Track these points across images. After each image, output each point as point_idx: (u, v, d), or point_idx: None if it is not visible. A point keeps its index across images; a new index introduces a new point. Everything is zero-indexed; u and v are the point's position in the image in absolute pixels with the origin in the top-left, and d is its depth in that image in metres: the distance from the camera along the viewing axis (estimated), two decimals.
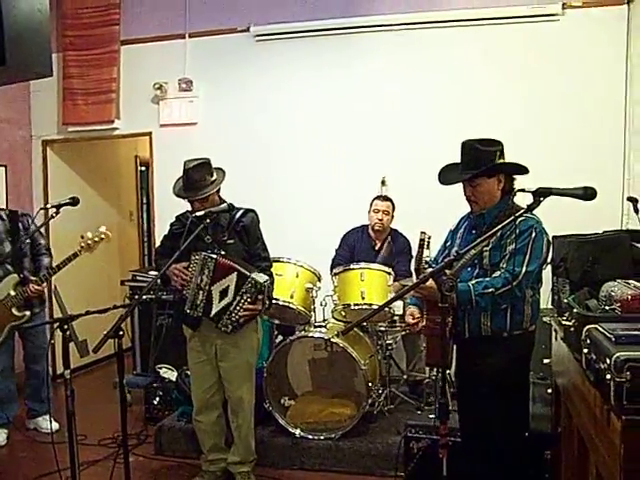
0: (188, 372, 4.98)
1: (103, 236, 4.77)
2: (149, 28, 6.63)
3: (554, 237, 3.87)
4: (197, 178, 3.90)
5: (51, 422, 4.85)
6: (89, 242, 4.74)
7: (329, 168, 6.20)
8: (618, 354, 2.11)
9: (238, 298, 3.82)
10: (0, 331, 4.92)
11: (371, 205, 5.52)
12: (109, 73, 6.63)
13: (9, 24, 3.12)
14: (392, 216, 5.50)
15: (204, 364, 4.10)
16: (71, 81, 6.73)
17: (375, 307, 4.64)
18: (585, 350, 2.54)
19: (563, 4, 5.63)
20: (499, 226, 2.90)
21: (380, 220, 5.43)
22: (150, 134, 6.75)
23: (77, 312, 3.39)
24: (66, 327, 3.24)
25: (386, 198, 5.50)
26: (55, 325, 3.28)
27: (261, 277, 3.85)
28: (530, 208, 2.73)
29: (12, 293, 4.89)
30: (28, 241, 5.10)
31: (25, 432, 5.31)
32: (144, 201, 8.79)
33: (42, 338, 5.30)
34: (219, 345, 4.03)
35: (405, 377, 5.38)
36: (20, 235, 5.09)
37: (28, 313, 4.98)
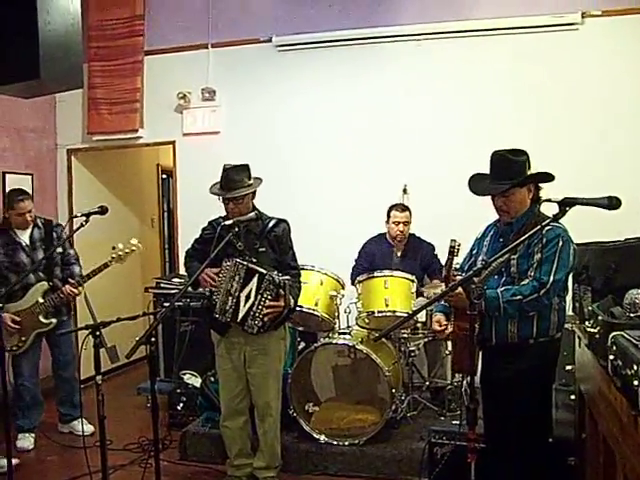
0: (212, 378, 5.06)
1: (134, 248, 4.88)
2: (172, 39, 6.72)
3: (576, 245, 3.89)
4: (236, 178, 3.97)
5: (83, 425, 4.86)
6: (120, 253, 4.86)
7: (351, 176, 6.25)
8: None
9: (259, 297, 3.87)
10: (26, 337, 5.01)
11: (388, 216, 5.55)
12: (133, 83, 6.73)
13: (44, 39, 3.20)
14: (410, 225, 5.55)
15: (232, 370, 4.15)
16: (96, 91, 6.83)
17: (399, 314, 4.70)
18: (611, 357, 2.56)
19: (582, 13, 5.65)
20: (526, 235, 2.93)
21: (401, 232, 5.48)
22: (173, 143, 6.83)
23: (100, 319, 3.47)
24: (97, 333, 3.31)
25: (403, 208, 5.54)
26: (87, 332, 3.34)
27: (280, 276, 3.91)
28: (556, 218, 2.76)
29: (40, 300, 4.98)
30: (60, 250, 5.21)
31: (52, 437, 5.36)
32: (165, 209, 8.89)
33: (70, 345, 5.40)
34: (247, 352, 4.08)
35: (427, 383, 5.41)
36: (53, 244, 5.20)
37: (55, 320, 5.07)
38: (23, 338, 4.99)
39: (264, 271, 3.86)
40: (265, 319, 3.89)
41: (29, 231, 5.16)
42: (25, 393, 5.15)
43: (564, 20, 5.68)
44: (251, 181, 4.04)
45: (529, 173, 3.37)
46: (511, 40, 5.85)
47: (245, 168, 4.04)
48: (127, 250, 4.88)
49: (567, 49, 5.72)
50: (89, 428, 5.15)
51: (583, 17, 5.66)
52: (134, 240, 4.91)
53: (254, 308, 3.87)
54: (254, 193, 4.09)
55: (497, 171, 3.40)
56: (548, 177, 3.39)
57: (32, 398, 5.19)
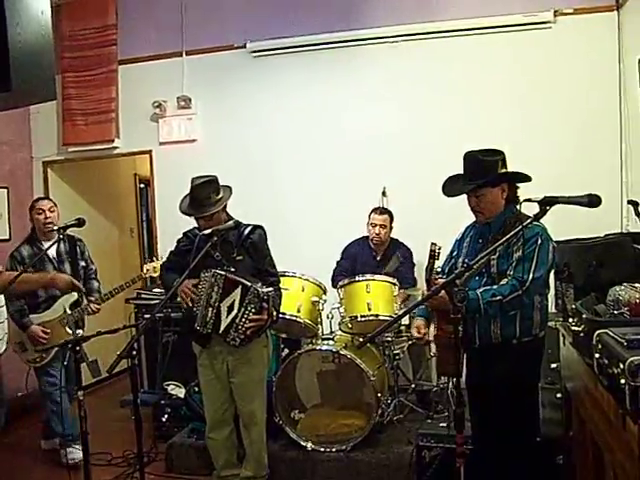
0: (196, 388, 5.02)
1: None
2: (146, 47, 6.69)
3: (556, 242, 3.89)
4: (203, 196, 3.92)
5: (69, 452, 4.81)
6: (154, 266, 4.96)
7: (329, 181, 6.24)
8: (632, 358, 2.13)
9: (243, 310, 3.82)
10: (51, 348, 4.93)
11: (369, 218, 5.55)
12: (108, 93, 6.69)
13: (14, 50, 3.14)
14: (391, 228, 5.54)
15: (215, 381, 4.11)
16: (70, 102, 6.78)
17: (382, 318, 4.68)
18: (597, 355, 2.56)
19: (555, 11, 5.69)
20: (507, 235, 2.93)
21: (378, 234, 5.47)
22: (150, 152, 6.80)
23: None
24: (77, 348, 3.27)
25: (383, 211, 5.53)
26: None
27: (264, 288, 3.87)
28: (537, 217, 2.75)
29: (68, 312, 4.94)
30: (83, 264, 5.26)
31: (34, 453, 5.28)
32: (144, 218, 8.82)
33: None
34: (230, 361, 4.04)
35: (413, 386, 5.40)
36: (77, 259, 5.23)
37: (80, 332, 4.99)
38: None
39: (249, 284, 3.82)
40: (248, 332, 3.85)
41: (56, 244, 5.10)
42: (55, 403, 4.99)
43: (537, 19, 5.72)
44: (220, 195, 3.99)
45: (501, 172, 3.37)
46: (486, 40, 5.87)
47: (212, 183, 3.97)
48: (154, 274, 4.97)
49: (540, 47, 5.76)
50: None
51: (555, 15, 5.70)
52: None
53: (237, 320, 3.83)
54: (225, 205, 4.05)
55: (469, 171, 3.42)
56: (520, 177, 3.40)
57: (59, 407, 5.01)
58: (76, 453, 4.90)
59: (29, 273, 4.46)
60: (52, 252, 5.11)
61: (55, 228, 4.91)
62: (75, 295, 5.00)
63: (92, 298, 5.09)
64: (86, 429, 3.25)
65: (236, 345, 3.88)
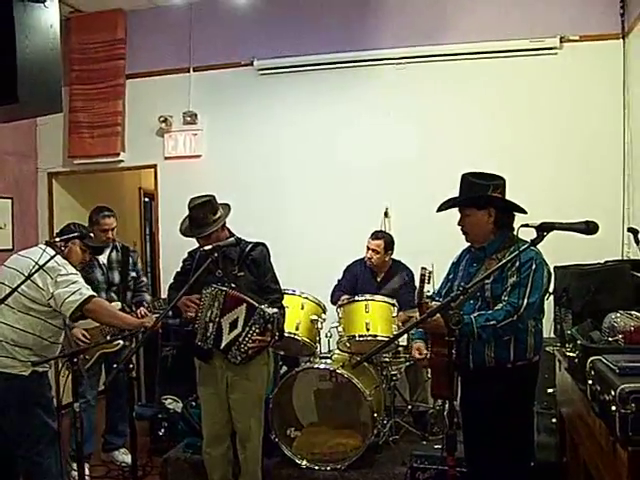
0: (194, 403, 5.03)
1: None
2: (154, 62, 6.75)
3: (556, 267, 3.91)
4: (200, 217, 3.96)
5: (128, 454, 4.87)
6: None
7: (332, 200, 6.27)
8: (623, 386, 2.15)
9: (247, 329, 3.83)
10: (90, 356, 4.93)
11: (368, 238, 5.57)
12: (114, 107, 6.74)
13: (22, 63, 3.18)
14: (387, 253, 5.51)
15: (214, 396, 4.11)
16: (77, 115, 6.83)
17: (380, 338, 4.69)
18: (590, 381, 2.57)
19: (561, 38, 5.72)
20: (504, 260, 2.95)
21: (370, 258, 5.49)
22: (155, 166, 6.84)
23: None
24: (75, 360, 3.29)
25: (378, 236, 5.52)
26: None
27: (270, 309, 3.88)
28: (534, 243, 2.77)
29: None
30: (134, 274, 5.32)
31: None
32: (147, 232, 8.85)
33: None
34: (230, 377, 4.04)
35: (409, 407, 5.39)
36: (128, 269, 5.28)
37: (121, 342, 4.98)
38: (87, 357, 4.89)
39: (256, 304, 3.83)
40: (250, 352, 3.86)
41: (107, 251, 5.18)
42: (86, 414, 4.96)
43: (543, 44, 5.75)
44: (217, 215, 4.01)
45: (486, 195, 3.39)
46: (491, 64, 5.91)
47: (207, 203, 3.99)
48: None
49: (546, 73, 5.80)
50: (128, 459, 5.04)
51: (561, 42, 5.74)
52: None
53: (240, 339, 3.84)
54: (224, 223, 4.08)
55: (462, 192, 3.46)
56: (510, 206, 3.41)
57: (89, 420, 5.02)
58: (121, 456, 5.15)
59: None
60: (103, 259, 5.15)
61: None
62: (119, 304, 5.03)
63: (145, 304, 5.12)
64: (82, 440, 3.26)
65: (236, 363, 3.89)
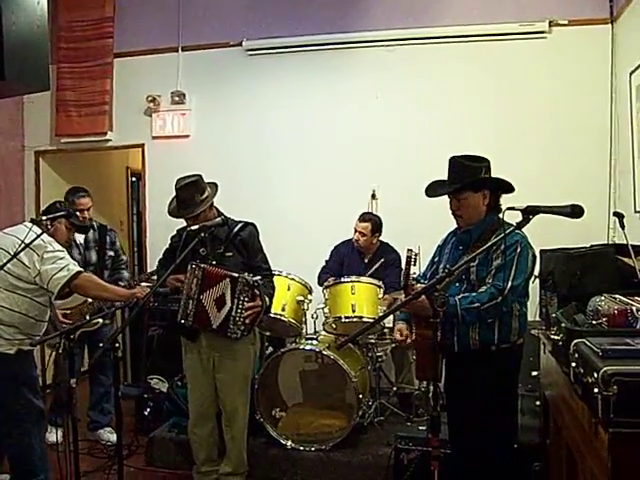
0: (179, 383, 5.04)
1: None
2: (142, 41, 6.70)
3: (542, 251, 3.93)
4: (186, 197, 3.96)
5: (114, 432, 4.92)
6: None
7: (320, 181, 6.27)
8: (605, 368, 2.16)
9: (236, 301, 3.85)
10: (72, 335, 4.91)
11: (355, 222, 5.58)
12: (102, 85, 6.68)
13: (9, 40, 3.18)
14: (375, 235, 5.53)
15: (201, 376, 4.13)
16: (64, 93, 6.78)
17: (365, 320, 4.70)
18: (573, 364, 2.58)
19: (550, 22, 5.73)
20: (489, 243, 2.96)
21: (357, 240, 5.50)
22: (142, 146, 6.81)
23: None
24: (72, 337, 3.30)
25: (366, 219, 5.52)
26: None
27: (250, 276, 3.90)
28: (519, 226, 2.78)
29: (89, 300, 4.88)
30: (111, 254, 5.32)
31: None
32: (134, 211, 8.82)
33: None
34: (216, 357, 4.06)
35: (395, 389, 5.43)
36: (105, 248, 5.28)
37: (100, 321, 4.99)
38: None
39: (235, 274, 3.85)
40: (247, 321, 3.88)
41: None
42: (64, 391, 5.05)
43: (532, 28, 5.77)
44: (204, 195, 4.01)
45: (484, 177, 3.40)
46: (480, 47, 5.91)
47: (194, 184, 3.99)
48: None
49: (534, 57, 5.81)
50: (114, 437, 5.12)
51: (550, 26, 5.75)
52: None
53: (233, 313, 3.86)
54: (212, 203, 4.07)
55: (452, 176, 3.45)
56: (503, 184, 3.42)
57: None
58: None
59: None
60: (80, 238, 5.15)
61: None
62: None
63: (121, 283, 5.06)
64: (77, 416, 3.27)
65: (238, 337, 3.90)
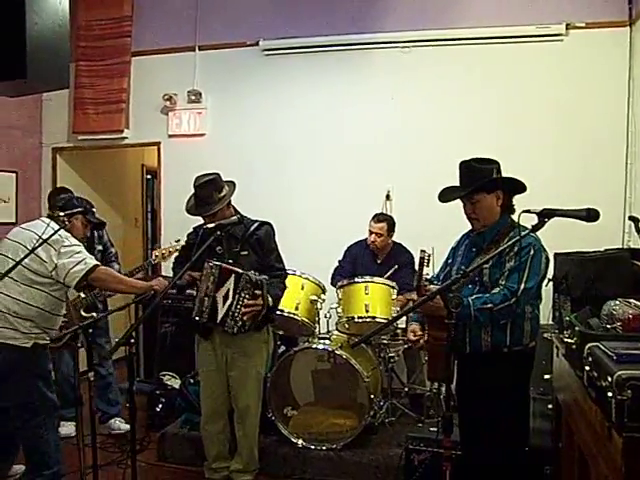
0: (192, 380, 5.07)
1: (177, 247, 4.83)
2: (160, 40, 6.75)
3: (556, 254, 3.93)
4: (205, 195, 4.00)
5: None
6: (164, 252, 4.92)
7: (334, 181, 6.28)
8: (620, 372, 2.16)
9: (237, 297, 3.87)
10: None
11: (369, 223, 5.59)
12: (119, 84, 6.74)
13: (31, 40, 3.21)
14: (390, 235, 5.54)
15: (214, 372, 4.16)
16: (82, 91, 6.83)
17: (378, 320, 4.72)
18: (587, 367, 2.59)
19: (567, 25, 5.71)
20: (504, 245, 2.96)
21: (373, 242, 5.51)
22: (158, 144, 6.85)
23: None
24: (91, 330, 3.35)
25: (381, 219, 5.53)
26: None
27: (256, 275, 3.92)
28: (535, 229, 2.78)
29: (82, 295, 4.91)
30: (100, 248, 5.33)
31: None
32: (149, 209, 8.88)
33: (107, 342, 5.38)
34: (228, 354, 4.08)
35: (406, 390, 5.43)
36: (94, 242, 5.29)
37: (95, 314, 5.01)
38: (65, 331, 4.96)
39: (240, 271, 3.88)
40: (245, 318, 3.90)
41: None
42: (66, 385, 5.17)
43: (549, 31, 5.74)
44: (222, 193, 4.05)
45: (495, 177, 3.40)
46: (497, 50, 5.90)
47: (213, 181, 4.03)
48: (171, 249, 4.88)
49: (551, 60, 5.79)
50: (125, 426, 5.32)
51: (567, 29, 5.72)
52: (182, 241, 4.93)
53: (232, 308, 3.88)
54: (229, 201, 4.10)
55: (464, 179, 3.46)
56: (515, 183, 3.43)
57: (72, 391, 5.14)
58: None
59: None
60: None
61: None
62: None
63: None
64: (95, 408, 3.31)
65: (234, 332, 3.91)
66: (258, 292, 3.90)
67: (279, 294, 4.17)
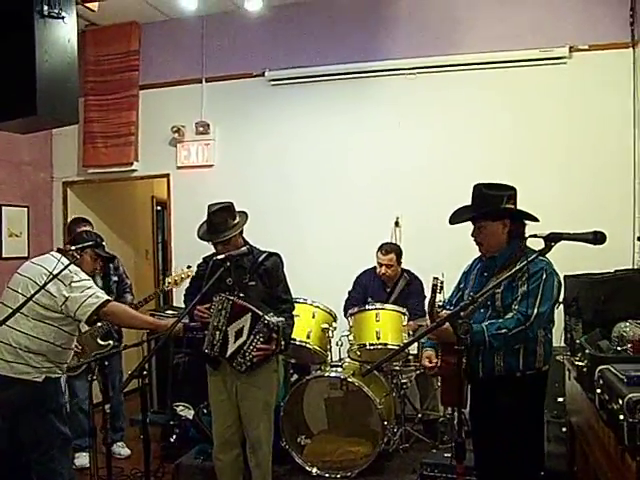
0: (205, 410, 5.06)
1: (190, 273, 4.89)
2: (167, 73, 6.83)
3: (566, 277, 3.92)
4: (219, 221, 4.00)
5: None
6: (176, 279, 5.02)
7: (343, 210, 6.30)
8: (631, 395, 2.16)
9: (252, 338, 3.85)
10: (85, 359, 4.95)
11: (376, 255, 5.57)
12: (128, 117, 6.82)
13: (41, 77, 3.27)
14: (399, 262, 5.53)
15: (225, 402, 4.13)
16: (92, 125, 6.91)
17: (390, 347, 4.71)
18: (598, 390, 2.59)
19: (570, 47, 5.74)
20: (513, 270, 2.97)
21: (384, 274, 5.50)
22: (168, 176, 6.91)
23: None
24: (107, 363, 3.37)
25: (388, 250, 5.50)
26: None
27: (274, 318, 3.90)
28: (542, 253, 2.79)
29: (99, 324, 4.91)
30: (116, 279, 5.43)
31: None
32: (159, 240, 8.91)
33: (116, 369, 5.46)
34: (239, 384, 4.07)
35: (419, 416, 5.41)
36: (110, 273, 5.38)
37: (111, 342, 5.06)
38: (82, 360, 4.94)
39: (260, 313, 3.85)
40: (255, 360, 3.89)
41: None
42: (81, 415, 5.23)
43: (552, 54, 5.77)
44: (236, 220, 4.07)
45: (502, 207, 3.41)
46: (501, 74, 5.93)
47: (227, 209, 4.05)
48: (182, 275, 4.99)
49: (555, 83, 5.81)
50: (126, 451, 5.56)
51: (571, 51, 5.74)
52: (193, 268, 4.96)
53: (245, 347, 3.86)
54: (241, 230, 4.13)
55: (475, 203, 3.47)
56: (524, 215, 3.43)
57: (87, 419, 5.16)
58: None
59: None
60: None
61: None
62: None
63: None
64: (110, 440, 3.33)
65: (241, 371, 3.91)
66: (274, 336, 3.88)
67: (290, 333, 4.16)
